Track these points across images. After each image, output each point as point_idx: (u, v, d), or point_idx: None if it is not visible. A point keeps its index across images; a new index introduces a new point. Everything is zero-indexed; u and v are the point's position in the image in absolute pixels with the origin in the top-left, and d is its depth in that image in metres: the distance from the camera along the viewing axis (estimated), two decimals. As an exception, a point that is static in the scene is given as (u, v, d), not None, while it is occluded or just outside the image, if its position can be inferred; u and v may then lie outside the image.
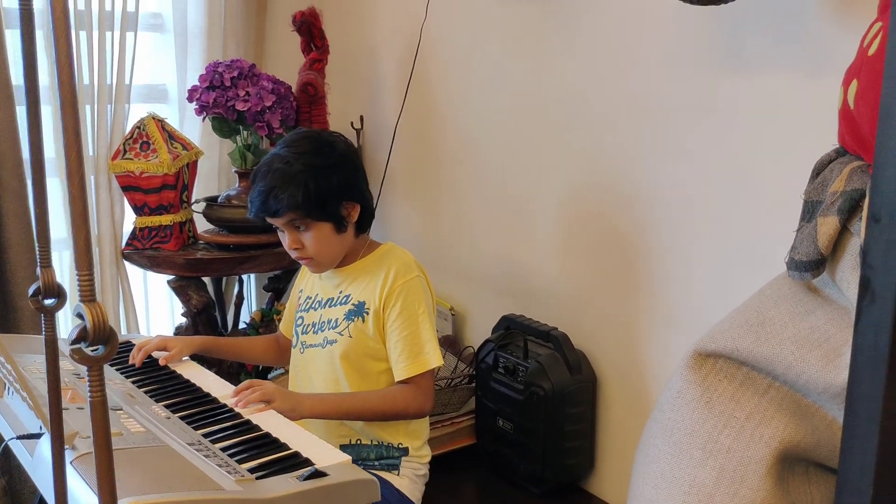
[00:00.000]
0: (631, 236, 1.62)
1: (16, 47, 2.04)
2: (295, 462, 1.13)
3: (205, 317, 2.23)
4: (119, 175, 2.15)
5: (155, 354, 1.57)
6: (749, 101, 1.39)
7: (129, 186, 2.15)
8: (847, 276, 0.97)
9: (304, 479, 1.07)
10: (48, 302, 0.77)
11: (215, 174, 2.45)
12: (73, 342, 0.62)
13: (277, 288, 2.40)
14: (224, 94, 2.11)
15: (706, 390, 1.09)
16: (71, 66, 0.60)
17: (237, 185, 2.26)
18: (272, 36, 2.50)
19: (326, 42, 2.22)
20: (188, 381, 1.47)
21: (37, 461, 1.13)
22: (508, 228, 1.91)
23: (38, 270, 0.77)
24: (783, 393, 1.06)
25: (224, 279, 2.44)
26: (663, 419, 1.14)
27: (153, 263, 2.17)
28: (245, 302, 2.46)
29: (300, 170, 1.48)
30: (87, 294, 0.63)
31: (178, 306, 2.32)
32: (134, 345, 1.60)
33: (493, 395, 1.75)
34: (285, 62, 2.40)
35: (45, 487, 1.08)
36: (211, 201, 2.26)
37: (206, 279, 2.28)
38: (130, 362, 1.55)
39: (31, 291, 0.77)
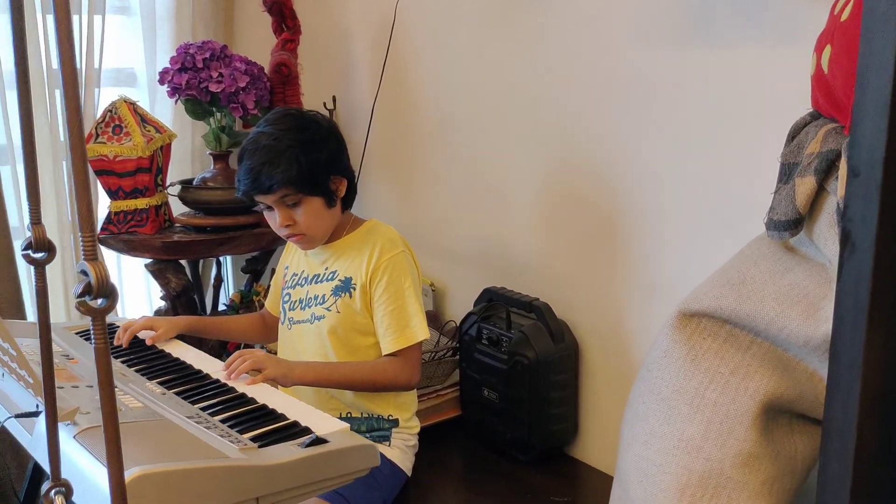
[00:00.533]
0: (607, 208, 1.66)
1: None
2: (295, 431, 1.15)
3: (184, 300, 2.23)
4: (92, 159, 2.13)
5: (141, 335, 1.58)
6: (719, 74, 1.43)
7: (103, 170, 2.14)
8: (824, 233, 1.02)
9: (306, 447, 1.10)
10: (39, 255, 0.81)
11: (188, 158, 2.44)
12: (79, 296, 0.66)
13: (255, 269, 2.41)
14: (197, 75, 2.11)
15: (691, 348, 1.14)
16: (71, 47, 0.62)
17: (212, 167, 2.25)
18: (241, 18, 2.48)
19: (298, 22, 2.22)
20: (178, 358, 1.48)
21: (37, 438, 1.13)
22: (486, 204, 1.94)
23: (29, 226, 0.82)
24: (765, 349, 1.11)
25: (201, 262, 2.43)
26: (650, 378, 1.19)
27: (130, 247, 2.16)
28: (224, 284, 2.46)
29: (289, 145, 1.49)
30: (90, 253, 0.67)
31: (156, 290, 2.31)
32: (118, 326, 1.61)
33: (478, 365, 1.78)
34: (256, 44, 2.39)
35: (44, 454, 1.09)
36: (186, 184, 2.26)
37: (183, 262, 2.28)
38: (116, 343, 1.55)
39: (22, 246, 0.80)
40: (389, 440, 1.59)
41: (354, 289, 1.56)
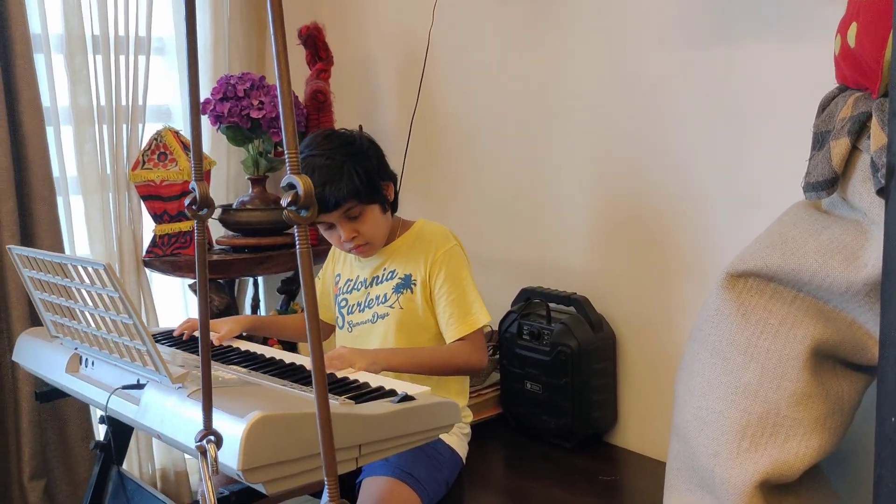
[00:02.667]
0: (638, 202, 1.79)
1: (43, 71, 2.14)
2: (384, 392, 1.25)
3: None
4: (139, 185, 2.24)
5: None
6: (739, 67, 1.58)
7: (150, 195, 2.25)
8: (858, 188, 1.15)
9: (398, 402, 1.19)
10: (202, 212, 0.94)
11: (223, 186, 2.56)
12: (288, 205, 0.78)
13: (290, 290, 2.51)
14: (238, 103, 2.24)
15: (741, 305, 1.25)
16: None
17: (250, 191, 2.37)
18: (271, 51, 2.63)
19: (331, 53, 2.37)
20: (248, 350, 1.57)
21: (144, 407, 1.22)
22: (518, 210, 2.07)
23: (194, 184, 0.94)
24: (808, 302, 1.23)
25: (237, 284, 2.53)
26: (703, 337, 1.30)
27: (174, 268, 2.26)
28: (260, 305, 2.55)
29: (343, 160, 1.58)
30: (295, 168, 0.79)
31: (196, 311, 2.40)
32: (172, 333, 1.70)
33: (519, 360, 1.88)
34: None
35: (159, 425, 1.17)
36: (226, 208, 2.37)
37: (221, 283, 2.38)
38: (177, 334, 1.65)
39: (186, 202, 0.92)
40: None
41: (415, 285, 1.66)
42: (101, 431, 2.03)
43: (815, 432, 1.19)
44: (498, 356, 1.99)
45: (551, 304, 1.87)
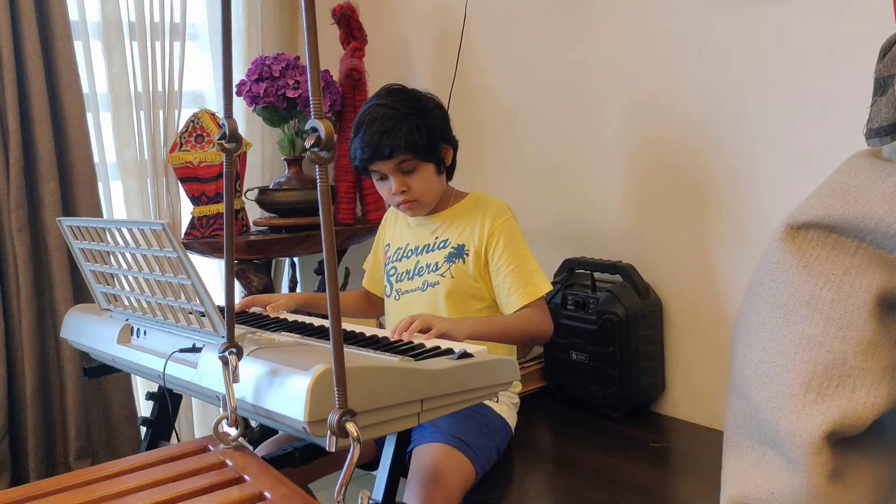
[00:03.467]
0: (683, 165, 1.77)
1: (81, 58, 2.15)
2: (442, 351, 1.24)
3: (266, 298, 2.32)
4: (177, 167, 2.25)
5: (255, 310, 1.68)
6: (788, 25, 1.56)
7: (188, 177, 2.26)
8: (925, 132, 1.12)
9: (457, 359, 1.19)
10: (231, 145, 1.01)
11: (258, 168, 2.56)
12: (311, 147, 0.80)
13: (327, 271, 2.50)
14: (273, 83, 2.24)
15: (802, 256, 1.23)
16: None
17: (286, 171, 2.37)
18: (303, 32, 2.63)
19: (365, 32, 2.36)
20: (298, 320, 1.57)
21: (202, 370, 1.22)
22: (560, 181, 2.06)
23: (224, 120, 0.99)
24: (871, 252, 1.20)
25: (273, 265, 2.54)
26: (763, 291, 1.28)
27: (213, 249, 2.26)
28: (298, 286, 2.55)
29: (407, 112, 1.59)
30: (318, 113, 0.81)
31: (237, 291, 2.41)
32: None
33: (564, 330, 1.87)
34: (321, 56, 2.53)
35: (217, 385, 1.17)
36: (263, 189, 2.37)
37: (258, 263, 2.38)
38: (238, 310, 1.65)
39: (217, 137, 0.98)
40: (497, 397, 1.66)
41: (468, 255, 1.65)
42: (146, 409, 2.03)
43: (884, 381, 1.16)
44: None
45: (596, 274, 1.85)
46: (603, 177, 1.95)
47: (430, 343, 1.31)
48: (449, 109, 2.26)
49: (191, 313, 1.24)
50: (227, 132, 0.99)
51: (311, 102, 0.77)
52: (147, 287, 1.32)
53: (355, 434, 0.83)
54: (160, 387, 1.78)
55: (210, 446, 1.13)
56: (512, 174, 2.19)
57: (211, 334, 1.24)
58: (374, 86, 2.43)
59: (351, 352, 1.20)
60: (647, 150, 1.85)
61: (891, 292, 1.19)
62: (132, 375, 2.22)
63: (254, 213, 2.44)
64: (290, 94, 2.23)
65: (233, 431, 1.15)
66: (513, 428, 1.68)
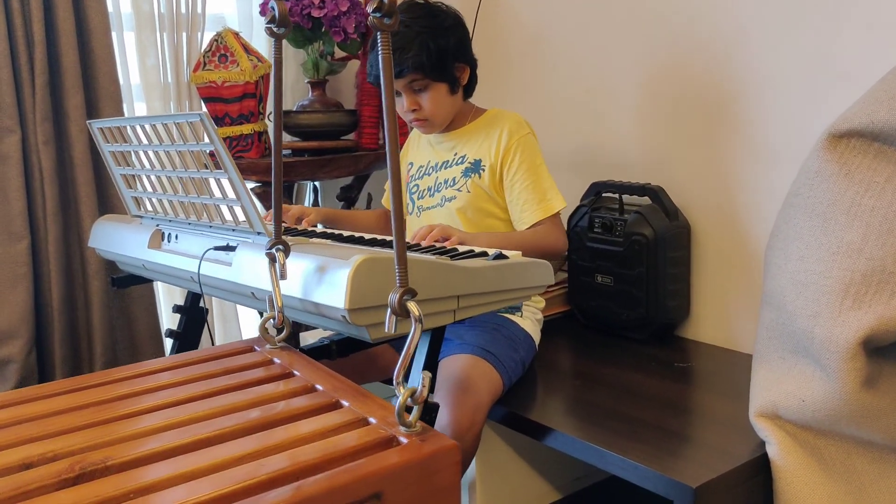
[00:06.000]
0: (711, 83, 1.74)
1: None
2: (478, 254, 1.24)
3: (288, 221, 2.32)
4: (201, 86, 2.23)
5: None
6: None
7: (211, 98, 2.24)
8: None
9: (493, 259, 1.18)
10: (279, 30, 1.02)
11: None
12: (374, 11, 0.80)
13: (349, 196, 2.50)
14: (299, 2, 2.20)
15: (844, 164, 1.22)
16: None
17: (310, 94, 2.35)
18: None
19: (391, -48, 2.32)
20: (335, 232, 1.57)
21: (237, 267, 1.22)
22: (587, 106, 2.03)
23: (273, 2, 0.99)
24: (914, 160, 1.19)
25: (295, 189, 2.53)
26: (800, 201, 1.27)
27: (237, 171, 2.25)
28: (320, 211, 2.55)
29: (419, 31, 1.58)
30: None
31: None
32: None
33: (590, 253, 1.86)
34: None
35: (255, 281, 1.17)
36: (286, 112, 2.35)
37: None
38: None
39: (266, 20, 0.99)
40: (521, 311, 1.67)
41: (484, 170, 1.64)
42: (172, 321, 2.04)
43: (924, 288, 1.16)
44: (567, 252, 1.97)
45: (624, 197, 1.84)
46: (630, 101, 1.92)
47: (462, 248, 1.31)
48: (475, 32, 2.24)
49: (227, 209, 1.24)
50: (277, 15, 0.98)
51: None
52: (181, 186, 1.32)
53: (417, 313, 0.83)
54: (187, 299, 1.80)
55: (256, 346, 1.14)
56: (539, 99, 2.16)
57: (245, 232, 1.24)
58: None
59: (385, 251, 1.20)
60: (675, 73, 1.82)
61: (933, 200, 1.18)
62: (156, 293, 2.24)
63: (276, 136, 2.42)
64: (315, 13, 2.19)
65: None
66: (537, 343, 1.69)
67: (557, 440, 1.38)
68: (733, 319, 1.78)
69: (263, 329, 1.12)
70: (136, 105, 2.27)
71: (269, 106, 2.45)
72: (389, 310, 0.85)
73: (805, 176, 1.26)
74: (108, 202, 2.09)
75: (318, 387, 0.98)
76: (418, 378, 1.19)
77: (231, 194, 1.19)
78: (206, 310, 1.83)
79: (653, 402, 1.49)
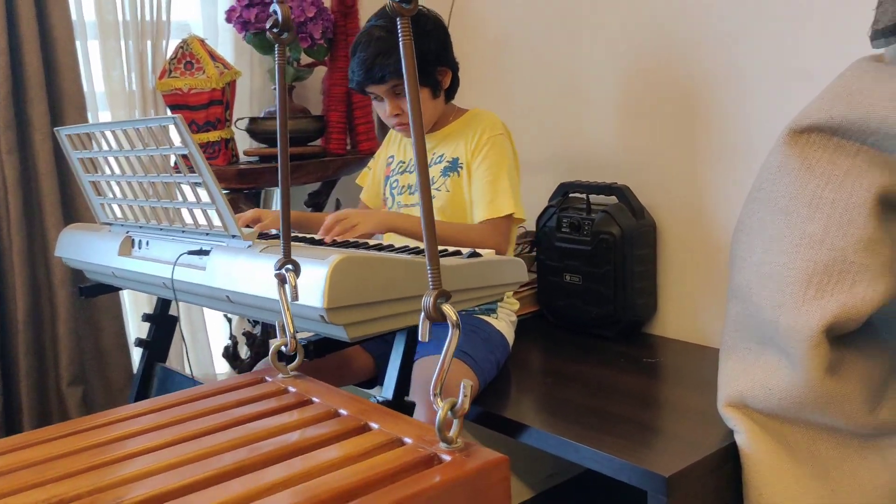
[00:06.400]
0: (680, 88, 1.78)
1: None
2: (451, 253, 1.25)
3: (257, 227, 2.32)
4: (166, 94, 2.22)
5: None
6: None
7: (177, 105, 2.23)
8: (929, 30, 1.14)
9: (467, 258, 1.20)
10: (283, 35, 1.01)
11: (247, 99, 2.54)
12: (269, 28, 0.81)
13: (317, 203, 2.50)
14: (265, 8, 2.21)
15: (805, 159, 1.26)
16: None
17: (277, 101, 2.35)
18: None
19: (355, -42, 2.33)
20: (307, 236, 1.58)
21: (212, 271, 1.22)
22: (555, 107, 2.06)
23: (275, 6, 0.98)
24: (872, 153, 1.23)
25: (262, 196, 2.53)
26: (763, 196, 1.30)
27: (204, 178, 2.24)
28: (287, 218, 2.54)
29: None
30: None
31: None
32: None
33: (558, 253, 1.89)
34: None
35: (231, 284, 1.18)
36: (253, 119, 2.35)
37: (247, 194, 2.37)
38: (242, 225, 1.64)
39: (268, 25, 0.98)
40: (496, 313, 1.69)
41: (462, 168, 1.67)
42: (141, 331, 2.02)
43: (883, 276, 1.20)
44: (535, 252, 2.00)
45: (591, 197, 1.87)
46: (598, 102, 1.96)
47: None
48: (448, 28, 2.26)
49: (202, 213, 1.24)
50: (280, 18, 0.97)
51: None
52: (152, 191, 1.32)
53: (455, 318, 0.75)
54: (157, 307, 1.78)
55: (267, 377, 1.04)
56: (507, 102, 2.19)
57: (220, 235, 1.24)
58: (366, 13, 2.41)
59: (361, 252, 1.21)
60: (641, 76, 1.86)
61: (891, 192, 1.23)
62: (122, 302, 2.22)
63: (244, 143, 2.42)
64: (269, 34, 2.19)
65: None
66: (511, 344, 1.71)
67: (532, 437, 1.40)
68: (700, 315, 1.82)
69: (274, 359, 1.02)
70: (101, 113, 2.25)
71: (236, 112, 2.45)
72: (423, 314, 0.77)
73: (768, 171, 1.30)
74: (73, 211, 2.07)
75: (343, 411, 0.91)
76: (391, 385, 1.20)
77: (205, 198, 1.19)
78: (177, 318, 1.82)
79: (624, 397, 1.51)
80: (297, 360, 1.02)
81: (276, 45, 0.99)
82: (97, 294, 1.74)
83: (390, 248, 1.34)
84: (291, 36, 1.00)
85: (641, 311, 1.85)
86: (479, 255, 1.22)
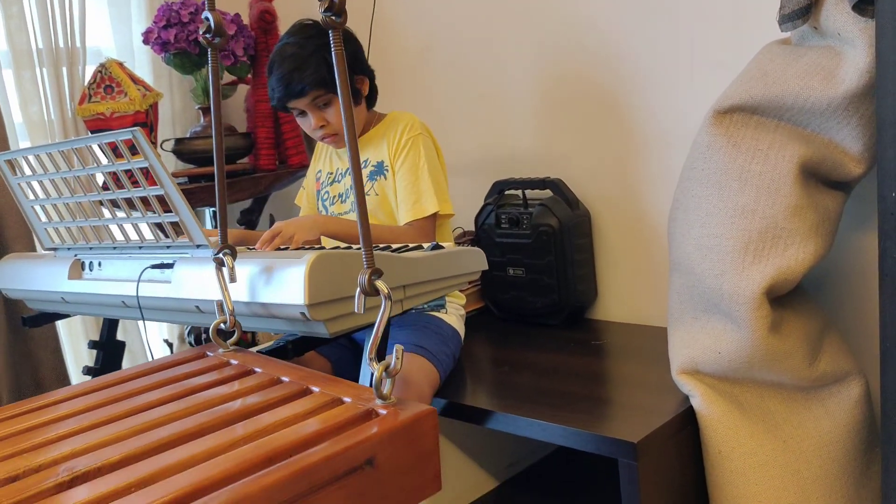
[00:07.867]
0: (600, 81, 1.88)
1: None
2: (414, 247, 1.29)
3: (192, 248, 2.29)
4: (88, 119, 2.18)
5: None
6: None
7: (100, 129, 2.19)
8: (832, 11, 1.26)
9: (431, 250, 1.25)
10: (216, 40, 1.08)
11: (170, 120, 2.51)
12: (325, 10, 0.85)
13: (250, 220, 2.50)
14: (184, 29, 2.20)
15: (731, 137, 1.36)
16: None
17: (202, 120, 2.34)
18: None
19: (272, -26, 2.35)
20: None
21: (178, 282, 1.22)
22: (482, 110, 2.13)
23: (208, 13, 1.02)
24: (789, 128, 1.35)
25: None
26: (696, 174, 1.40)
27: (132, 204, 2.21)
28: (221, 237, 2.53)
29: (314, 50, 1.63)
30: (212, 6, 0.88)
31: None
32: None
33: (500, 248, 1.95)
34: (223, 4, 2.50)
35: (199, 293, 1.18)
36: (179, 140, 2.33)
37: (183, 217, 2.35)
38: None
39: (202, 31, 1.03)
40: (445, 308, 1.73)
41: (387, 170, 1.71)
42: (87, 358, 1.97)
43: (811, 239, 1.31)
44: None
45: (527, 192, 1.94)
46: (523, 103, 2.04)
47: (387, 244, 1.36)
48: (371, 44, 2.30)
49: (167, 225, 1.24)
50: (213, 24, 1.01)
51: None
52: (107, 210, 1.31)
53: (386, 291, 0.87)
54: (103, 333, 1.75)
55: (208, 352, 1.13)
56: (435, 107, 2.24)
57: (183, 247, 1.24)
58: (287, 26, 2.43)
59: (330, 250, 1.24)
60: (564, 75, 1.94)
61: (809, 161, 1.34)
62: (59, 335, 2.16)
63: (170, 166, 2.39)
64: (202, 39, 2.19)
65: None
66: (462, 337, 1.76)
67: (499, 421, 1.45)
68: (638, 297, 1.92)
69: (214, 334, 1.12)
70: (21, 144, 2.19)
71: (161, 135, 2.42)
72: (359, 290, 0.89)
73: (697, 150, 1.40)
74: (4, 242, 2.01)
75: (284, 378, 0.99)
76: (367, 376, 1.23)
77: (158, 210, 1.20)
78: (124, 343, 1.79)
79: (579, 377, 1.58)
80: (235, 336, 1.12)
81: (210, 50, 1.03)
82: (42, 323, 1.70)
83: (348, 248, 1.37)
84: (224, 41, 1.05)
85: (583, 297, 1.93)
86: (441, 247, 1.27)
